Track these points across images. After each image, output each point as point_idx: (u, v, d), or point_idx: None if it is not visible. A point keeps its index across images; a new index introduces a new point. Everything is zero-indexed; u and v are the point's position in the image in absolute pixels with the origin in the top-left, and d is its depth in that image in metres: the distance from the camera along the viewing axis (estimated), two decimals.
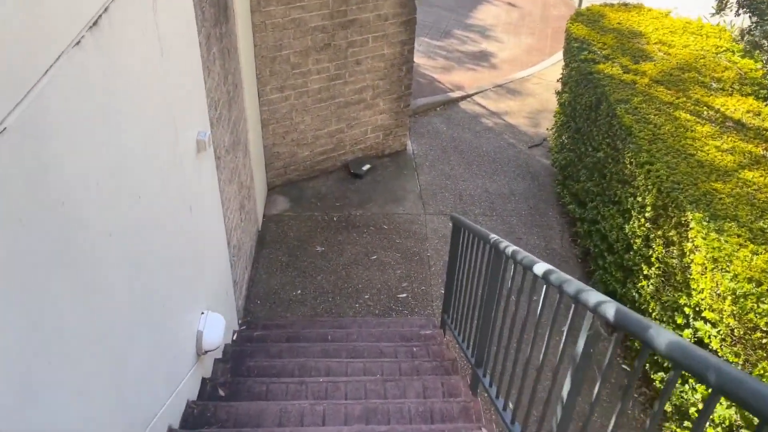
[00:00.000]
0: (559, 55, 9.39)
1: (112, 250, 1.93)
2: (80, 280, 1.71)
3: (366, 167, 6.62)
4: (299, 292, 5.17)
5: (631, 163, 4.50)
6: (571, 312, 2.07)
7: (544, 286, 2.33)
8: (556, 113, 6.77)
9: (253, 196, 5.49)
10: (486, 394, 3.28)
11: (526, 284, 2.63)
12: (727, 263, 3.41)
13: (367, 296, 5.16)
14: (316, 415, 3.11)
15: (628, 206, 4.54)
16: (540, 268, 2.36)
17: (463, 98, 8.13)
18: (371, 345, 4.12)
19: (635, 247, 4.44)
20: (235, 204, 4.64)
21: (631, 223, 4.50)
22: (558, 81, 6.73)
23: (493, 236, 3.13)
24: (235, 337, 4.34)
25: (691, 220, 3.74)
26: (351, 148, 6.67)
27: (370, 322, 4.73)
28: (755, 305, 3.20)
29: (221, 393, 3.38)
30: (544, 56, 9.65)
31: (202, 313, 3.40)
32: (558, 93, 6.70)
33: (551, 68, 9.06)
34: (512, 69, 9.10)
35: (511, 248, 2.76)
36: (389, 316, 4.99)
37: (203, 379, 3.41)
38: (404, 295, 5.21)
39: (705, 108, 4.84)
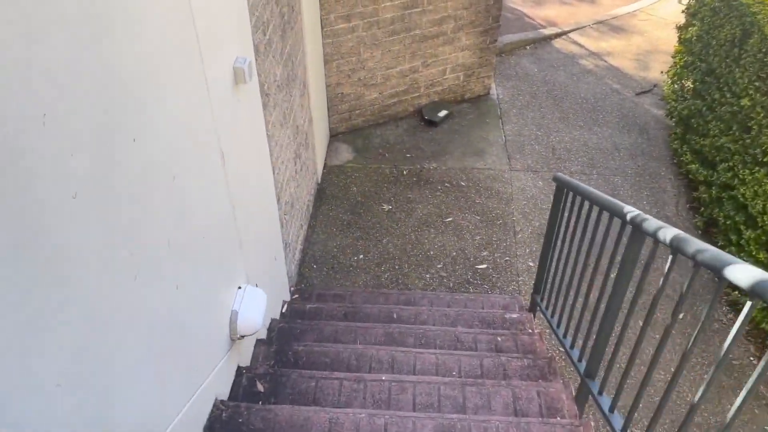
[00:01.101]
0: None
1: (101, 209, 1.21)
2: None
3: (443, 113, 5.73)
4: (361, 257, 4.44)
5: None
6: None
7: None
8: (676, 53, 5.61)
9: (312, 143, 4.74)
10: (597, 411, 2.46)
11: (679, 275, 1.76)
12: None
13: (440, 265, 4.38)
14: (375, 430, 2.40)
15: None
16: (735, 270, 1.48)
17: (557, 36, 7.01)
18: (445, 330, 3.36)
19: None
20: (289, 152, 3.91)
21: None
22: (683, 12, 5.53)
23: (630, 209, 2.26)
24: (284, 309, 3.68)
25: None
26: (426, 91, 5.79)
27: (443, 298, 3.96)
28: None
29: (260, 388, 2.72)
30: None
31: (239, 287, 2.71)
32: (680, 28, 5.52)
33: (662, 2, 7.72)
34: (614, 3, 7.84)
35: (667, 231, 1.89)
36: (466, 291, 4.20)
37: (239, 369, 2.75)
38: (484, 266, 4.39)
39: None
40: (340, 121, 5.54)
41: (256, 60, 3.03)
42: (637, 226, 2.16)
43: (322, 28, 4.89)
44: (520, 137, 5.61)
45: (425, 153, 5.44)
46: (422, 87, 5.73)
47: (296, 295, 3.96)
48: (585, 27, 7.16)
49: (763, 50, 3.83)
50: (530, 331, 3.44)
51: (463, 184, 5.14)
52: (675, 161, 5.32)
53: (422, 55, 5.50)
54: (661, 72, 6.18)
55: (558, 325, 3.08)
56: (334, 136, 5.60)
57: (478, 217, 4.82)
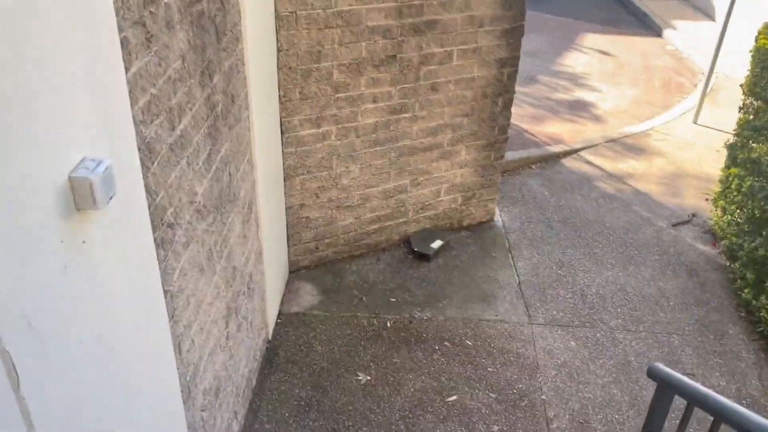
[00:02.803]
0: (682, 108, 7.23)
1: None
2: None
3: (437, 244, 4.46)
4: None
5: None
6: None
7: None
8: (727, 175, 4.53)
9: (261, 286, 3.37)
10: None
11: None
12: None
13: None
14: None
15: None
16: None
17: (566, 154, 5.98)
18: None
19: None
20: (216, 310, 2.53)
21: None
22: (733, 132, 4.52)
23: None
24: None
25: None
26: (415, 216, 4.55)
27: None
28: None
29: None
30: (656, 108, 7.48)
31: None
32: (730, 146, 4.48)
33: (676, 122, 6.86)
34: (621, 122, 6.96)
35: None
36: None
37: None
38: None
39: None
40: (304, 252, 4.22)
41: (146, 167, 1.72)
42: None
43: (283, 133, 3.70)
44: (538, 278, 4.33)
45: (416, 297, 4.09)
46: (411, 211, 4.50)
47: None
48: (597, 145, 6.17)
49: None
50: None
51: (469, 343, 3.75)
52: (744, 315, 4.05)
53: (412, 171, 4.32)
54: (706, 199, 5.08)
55: None
56: (295, 272, 4.25)
57: (494, 396, 3.40)
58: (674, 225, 4.97)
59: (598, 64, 8.98)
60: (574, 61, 9.00)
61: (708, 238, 4.81)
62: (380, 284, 4.18)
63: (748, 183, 4.07)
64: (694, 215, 5.09)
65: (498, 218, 4.94)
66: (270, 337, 3.71)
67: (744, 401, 3.46)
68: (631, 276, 4.39)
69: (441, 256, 4.48)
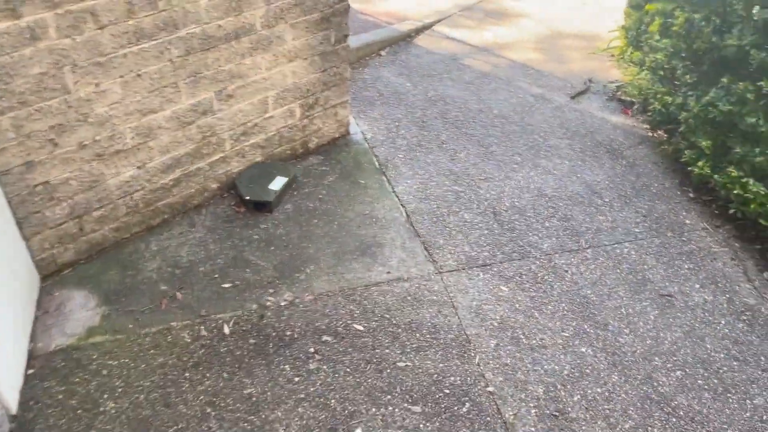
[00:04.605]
0: None
1: None
2: None
3: (279, 183, 2.96)
4: None
5: None
6: None
7: None
8: (639, 17, 3.46)
9: None
10: None
11: None
12: None
13: None
14: None
15: None
16: None
17: (419, 31, 4.63)
18: None
19: None
20: None
21: None
22: None
23: None
24: None
25: None
26: (236, 147, 2.98)
27: None
28: None
29: None
30: None
31: None
32: None
33: None
34: None
35: None
36: None
37: None
38: None
39: None
40: (60, 240, 2.51)
41: None
42: None
43: None
44: (430, 202, 3.03)
45: (263, 273, 2.61)
46: (227, 141, 2.91)
47: None
48: (451, 16, 4.88)
49: None
50: None
51: (359, 328, 2.39)
52: (693, 196, 3.11)
53: (214, 77, 2.70)
54: (613, 54, 4.04)
55: None
56: (51, 276, 2.54)
57: (418, 410, 2.11)
58: (573, 97, 3.90)
59: None
60: None
61: (616, 106, 3.81)
62: (202, 264, 2.63)
63: (681, 18, 3.00)
64: (590, 81, 4.05)
65: (356, 129, 3.52)
66: (15, 411, 2.06)
67: (743, 318, 2.51)
68: (546, 173, 3.25)
69: (288, 200, 3.00)
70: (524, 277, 2.65)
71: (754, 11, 2.65)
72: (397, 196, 3.05)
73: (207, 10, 2.53)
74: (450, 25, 4.74)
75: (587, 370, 2.27)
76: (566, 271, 2.68)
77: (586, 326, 2.44)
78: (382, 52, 4.33)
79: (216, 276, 2.58)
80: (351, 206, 2.97)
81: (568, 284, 2.62)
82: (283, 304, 2.47)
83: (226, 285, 2.55)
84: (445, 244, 2.79)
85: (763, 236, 2.78)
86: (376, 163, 3.27)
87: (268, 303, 2.47)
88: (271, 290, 2.53)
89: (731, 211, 2.82)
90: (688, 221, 2.97)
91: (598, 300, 2.55)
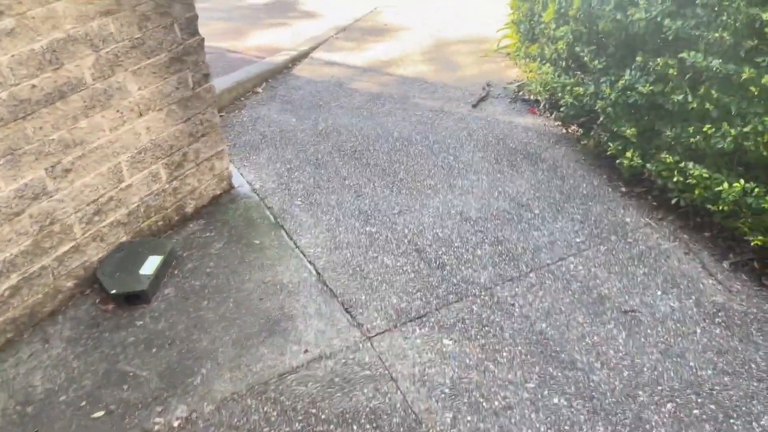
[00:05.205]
0: None
1: None
2: None
3: (152, 265, 2.39)
4: None
5: None
6: None
7: None
8: (529, 12, 3.19)
9: None
10: None
11: None
12: None
13: None
14: None
15: None
16: None
17: (295, 61, 4.20)
18: None
19: None
20: None
21: None
22: None
23: None
24: None
25: None
26: (91, 231, 2.38)
27: None
28: None
29: None
30: None
31: None
32: None
33: None
34: (339, 6, 5.38)
35: None
36: None
37: None
38: None
39: None
40: None
41: None
42: None
43: None
44: (341, 253, 2.56)
45: (146, 386, 2.03)
46: (76, 225, 2.32)
47: None
48: (328, 40, 4.48)
49: None
50: None
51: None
52: (626, 190, 2.82)
53: (39, 151, 2.12)
54: (508, 53, 3.75)
55: None
56: None
57: None
58: (474, 105, 3.58)
59: None
60: None
61: (521, 107, 3.52)
62: (63, 392, 2.01)
63: (577, 1, 2.73)
64: (489, 85, 3.76)
65: (240, 181, 3.00)
66: None
67: (718, 320, 2.20)
68: (465, 194, 2.87)
69: (167, 282, 2.43)
70: (467, 322, 2.22)
71: None
72: (302, 252, 2.55)
73: (11, 68, 1.96)
74: (328, 49, 4.35)
75: (566, 427, 1.86)
76: (512, 305, 2.28)
77: (551, 369, 2.03)
78: (259, 89, 3.85)
79: (83, 404, 1.97)
80: (248, 275, 2.44)
81: (519, 321, 2.22)
82: (176, 424, 1.90)
83: (98, 414, 1.94)
84: (369, 300, 2.32)
85: (710, 222, 2.52)
86: (271, 217, 2.76)
87: (157, 427, 1.89)
88: (158, 408, 1.95)
89: (673, 201, 2.54)
90: (628, 219, 2.67)
91: (557, 333, 2.16)
